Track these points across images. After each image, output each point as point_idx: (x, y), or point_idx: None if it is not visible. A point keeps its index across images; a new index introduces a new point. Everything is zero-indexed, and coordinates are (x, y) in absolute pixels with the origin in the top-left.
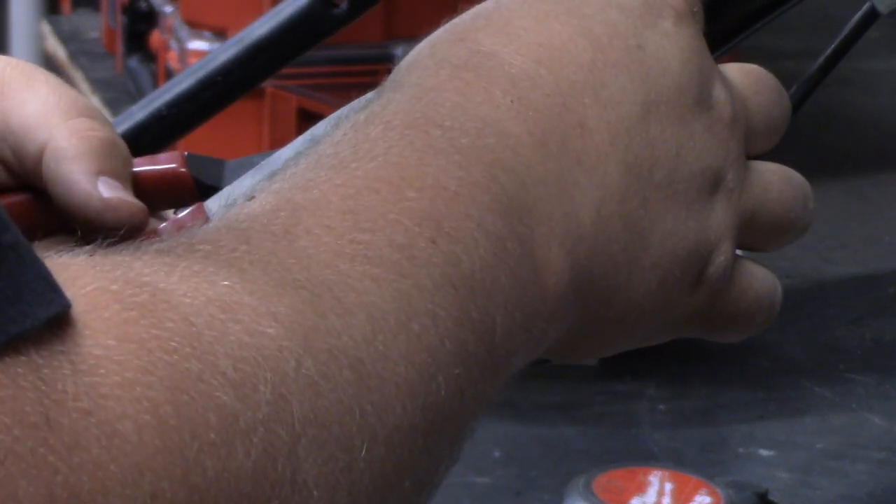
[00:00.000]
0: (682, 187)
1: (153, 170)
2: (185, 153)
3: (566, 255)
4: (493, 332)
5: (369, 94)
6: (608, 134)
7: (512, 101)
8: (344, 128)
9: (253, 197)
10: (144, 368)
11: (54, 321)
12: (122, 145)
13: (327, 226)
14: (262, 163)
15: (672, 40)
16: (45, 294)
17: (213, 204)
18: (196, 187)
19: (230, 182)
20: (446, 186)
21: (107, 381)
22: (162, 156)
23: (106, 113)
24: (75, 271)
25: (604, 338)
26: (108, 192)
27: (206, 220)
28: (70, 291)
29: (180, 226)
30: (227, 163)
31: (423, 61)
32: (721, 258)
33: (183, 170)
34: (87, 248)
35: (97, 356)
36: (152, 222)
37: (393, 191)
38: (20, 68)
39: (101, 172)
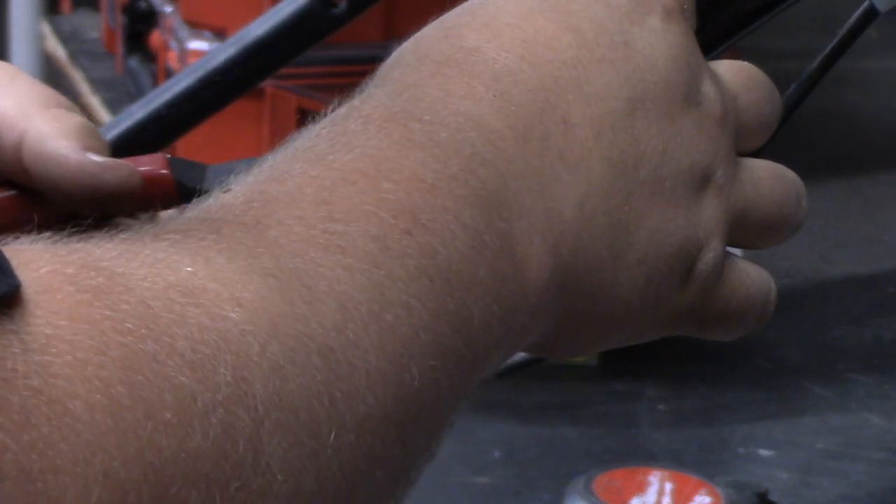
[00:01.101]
0: (669, 184)
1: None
2: (168, 156)
3: (548, 251)
4: (470, 324)
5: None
6: (592, 130)
7: (494, 96)
8: (323, 122)
9: (229, 189)
10: (97, 349)
11: (4, 300)
12: (100, 133)
13: (300, 216)
14: (251, 164)
15: (660, 37)
16: None
17: None
18: (178, 190)
19: (212, 185)
20: (423, 179)
21: (58, 360)
22: (143, 157)
23: (106, 113)
24: (30, 255)
25: (592, 334)
26: (100, 158)
27: None
28: (23, 274)
29: None
30: (210, 167)
31: (405, 58)
32: (710, 255)
33: (165, 172)
34: (47, 234)
35: (48, 336)
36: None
37: (369, 182)
38: (7, 67)
39: (86, 148)
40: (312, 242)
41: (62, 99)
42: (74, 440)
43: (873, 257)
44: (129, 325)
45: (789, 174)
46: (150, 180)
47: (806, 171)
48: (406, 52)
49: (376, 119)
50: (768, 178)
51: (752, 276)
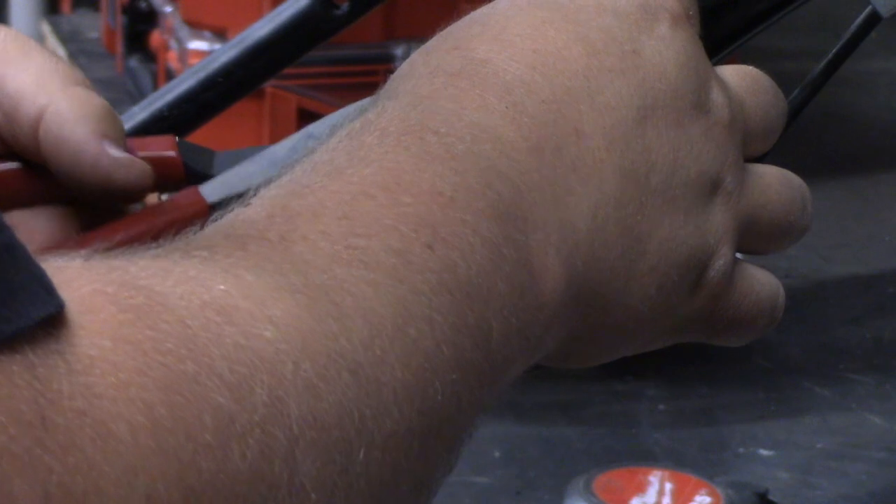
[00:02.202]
0: (679, 192)
1: (145, 153)
2: (176, 138)
3: (562, 262)
4: (489, 337)
5: (364, 101)
6: (604, 140)
7: (507, 107)
8: (339, 135)
9: (249, 203)
10: (139, 370)
11: (49, 321)
12: (118, 116)
13: (323, 231)
14: (261, 153)
15: (668, 44)
16: (40, 294)
17: (207, 190)
18: (186, 173)
19: (220, 171)
20: (442, 192)
21: (102, 381)
22: (152, 139)
23: None
24: (71, 274)
25: (603, 344)
26: (116, 152)
27: (202, 202)
28: (65, 293)
29: (176, 205)
30: (218, 153)
31: (417, 70)
32: (720, 262)
33: (174, 154)
34: (83, 252)
35: (92, 356)
36: (136, 207)
37: (388, 196)
38: (18, 39)
39: (104, 136)
40: (336, 258)
41: (80, 75)
42: (118, 462)
43: (873, 257)
44: (170, 346)
45: (795, 179)
46: (158, 162)
47: (806, 171)
48: (417, 64)
49: (393, 132)
50: (775, 183)
51: (761, 281)
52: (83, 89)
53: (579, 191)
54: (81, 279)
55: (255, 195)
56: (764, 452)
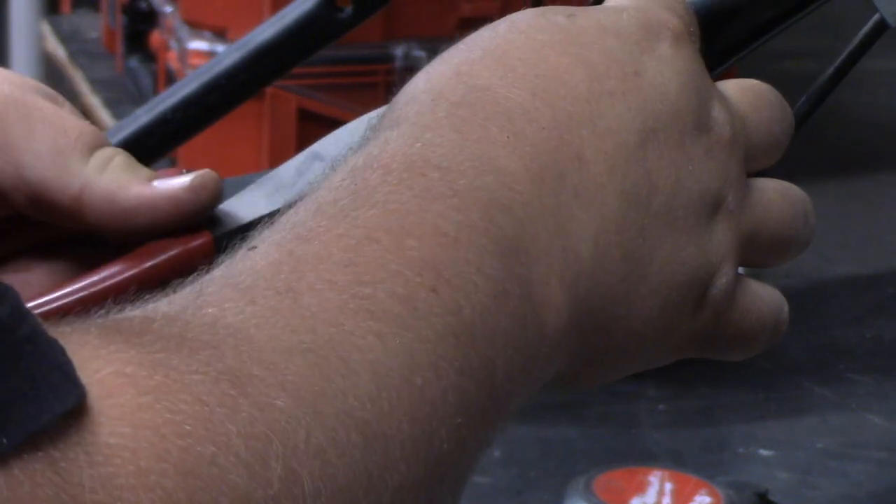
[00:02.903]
0: (681, 213)
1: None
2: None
3: (565, 291)
4: (493, 376)
5: (370, 115)
6: (605, 165)
7: (508, 137)
8: (342, 172)
9: (254, 247)
10: (158, 456)
11: (71, 413)
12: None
13: (329, 280)
14: (266, 177)
15: (669, 64)
16: (62, 385)
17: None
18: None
19: (225, 199)
20: (446, 232)
21: (122, 471)
22: (163, 173)
23: (106, 113)
24: (88, 353)
25: (605, 366)
26: (178, 181)
27: (207, 236)
28: (85, 376)
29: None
30: (223, 181)
31: (419, 97)
32: (723, 280)
33: (205, 240)
34: (97, 313)
35: (112, 445)
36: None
37: (393, 240)
38: (18, 106)
39: (149, 179)
40: (344, 309)
41: (87, 127)
42: None
43: (873, 257)
44: (188, 427)
45: (797, 193)
46: (192, 252)
47: (806, 171)
48: (419, 91)
49: (395, 170)
50: (777, 198)
51: (763, 297)
52: (105, 149)
53: (582, 217)
54: (100, 359)
55: (260, 235)
56: (764, 452)
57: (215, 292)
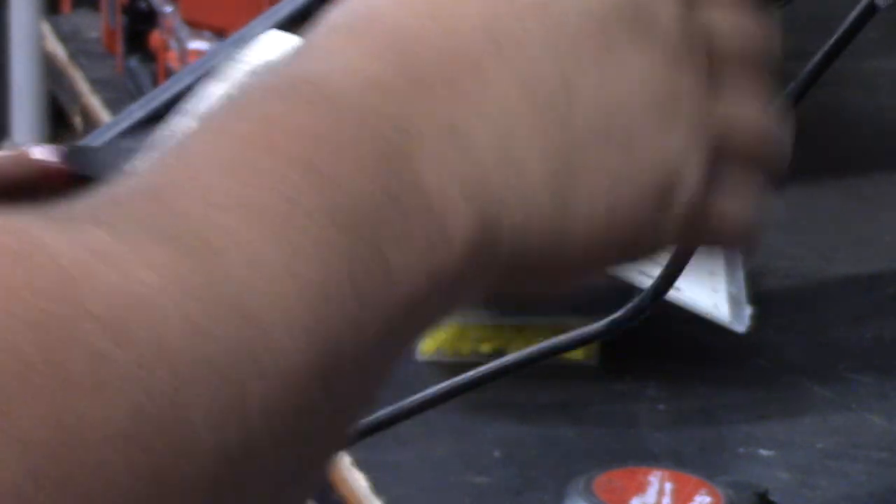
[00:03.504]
0: (618, 122)
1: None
2: (65, 147)
3: (467, 199)
4: (388, 270)
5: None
6: (510, 74)
7: (395, 55)
8: (227, 96)
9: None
10: (10, 311)
11: None
12: None
13: (200, 181)
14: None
15: None
16: None
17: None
18: (73, 180)
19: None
20: (327, 138)
21: None
22: (37, 149)
23: (106, 113)
24: None
25: (556, 275)
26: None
27: (60, 165)
28: None
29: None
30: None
31: (318, 29)
32: (685, 189)
33: (60, 165)
34: None
35: None
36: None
37: (272, 143)
38: None
39: None
40: (215, 204)
41: None
42: None
43: (873, 257)
44: (42, 284)
45: (765, 107)
46: (44, 173)
47: (806, 171)
48: (322, 23)
49: (275, 86)
50: (744, 108)
51: (734, 205)
52: None
53: (482, 127)
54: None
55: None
56: (764, 452)
57: (85, 199)
